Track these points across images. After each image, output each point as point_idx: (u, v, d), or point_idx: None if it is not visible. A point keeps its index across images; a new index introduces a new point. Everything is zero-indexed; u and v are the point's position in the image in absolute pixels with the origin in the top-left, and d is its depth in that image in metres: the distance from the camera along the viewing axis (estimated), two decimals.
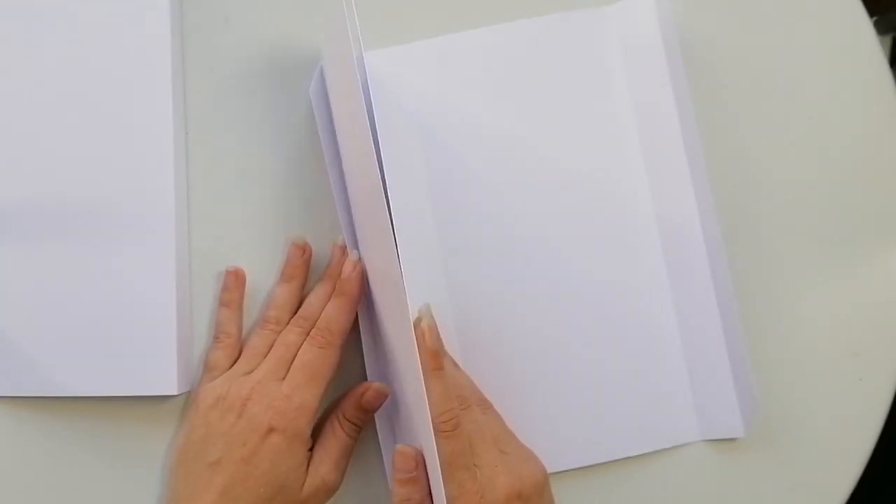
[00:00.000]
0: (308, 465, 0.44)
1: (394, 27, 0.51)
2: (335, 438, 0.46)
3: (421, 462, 0.41)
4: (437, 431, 0.40)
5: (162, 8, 0.48)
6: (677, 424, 0.49)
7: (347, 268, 0.47)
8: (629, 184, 0.50)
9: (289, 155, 0.50)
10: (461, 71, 0.51)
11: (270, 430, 0.43)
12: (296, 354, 0.45)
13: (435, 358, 0.42)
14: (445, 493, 0.39)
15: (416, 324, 0.44)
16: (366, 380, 0.48)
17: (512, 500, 0.41)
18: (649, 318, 0.49)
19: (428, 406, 0.38)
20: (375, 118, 0.50)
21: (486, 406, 0.46)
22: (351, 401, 0.46)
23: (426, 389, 0.41)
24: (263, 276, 0.49)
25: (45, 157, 0.47)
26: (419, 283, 0.48)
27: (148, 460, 0.48)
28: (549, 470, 0.45)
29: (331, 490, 0.45)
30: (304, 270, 0.48)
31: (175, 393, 0.46)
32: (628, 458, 0.48)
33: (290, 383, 0.44)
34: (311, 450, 0.45)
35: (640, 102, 0.50)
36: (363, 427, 0.47)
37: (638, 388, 0.49)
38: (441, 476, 0.38)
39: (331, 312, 0.46)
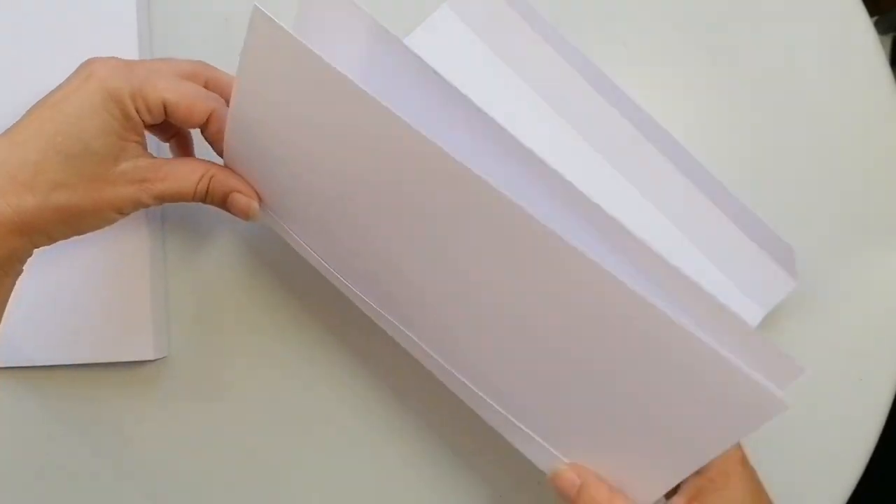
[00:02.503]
0: (136, 156, 0.38)
1: None
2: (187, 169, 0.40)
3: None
4: None
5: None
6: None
7: None
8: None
9: None
10: None
11: (90, 76, 0.37)
12: None
13: None
14: None
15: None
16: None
17: None
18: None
19: None
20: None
21: None
22: (231, 184, 0.40)
23: None
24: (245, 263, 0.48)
25: None
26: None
27: (118, 427, 0.48)
28: None
29: (140, 202, 0.38)
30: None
31: (151, 358, 0.46)
32: None
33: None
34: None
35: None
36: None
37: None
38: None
39: None
